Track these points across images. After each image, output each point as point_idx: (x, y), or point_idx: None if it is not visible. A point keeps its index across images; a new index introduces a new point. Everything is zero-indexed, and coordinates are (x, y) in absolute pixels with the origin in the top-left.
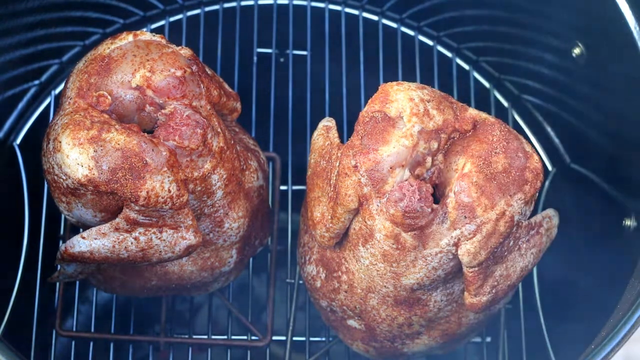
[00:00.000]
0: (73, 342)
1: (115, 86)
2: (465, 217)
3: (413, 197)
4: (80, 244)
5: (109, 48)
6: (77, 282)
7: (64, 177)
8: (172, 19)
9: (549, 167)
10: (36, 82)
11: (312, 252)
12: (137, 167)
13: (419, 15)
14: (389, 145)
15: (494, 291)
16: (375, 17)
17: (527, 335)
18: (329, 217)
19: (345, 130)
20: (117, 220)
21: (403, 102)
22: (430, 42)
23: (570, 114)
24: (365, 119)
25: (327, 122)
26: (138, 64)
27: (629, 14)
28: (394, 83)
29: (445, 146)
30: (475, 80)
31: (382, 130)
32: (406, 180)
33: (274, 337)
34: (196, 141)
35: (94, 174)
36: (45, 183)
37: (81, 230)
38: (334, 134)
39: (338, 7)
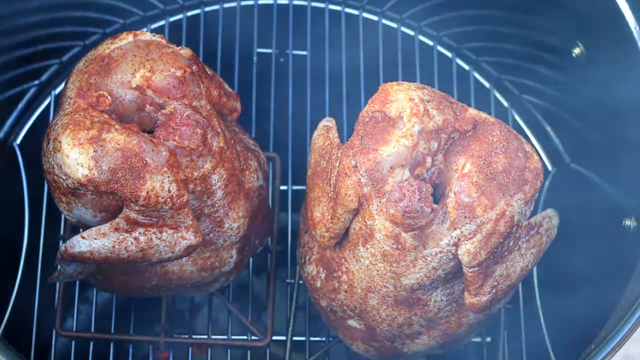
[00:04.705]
0: (73, 342)
1: (115, 86)
2: (465, 217)
3: (413, 197)
4: (80, 244)
5: (109, 48)
6: (77, 282)
7: (64, 177)
8: (172, 19)
9: (549, 167)
10: (36, 82)
11: (312, 252)
12: (137, 167)
13: (419, 15)
14: (389, 145)
15: (494, 291)
16: (375, 17)
17: (527, 335)
18: (329, 217)
19: (345, 130)
20: (117, 220)
21: (403, 102)
22: (430, 42)
23: (570, 114)
24: (365, 119)
25: (327, 122)
26: (138, 64)
27: (629, 14)
28: (394, 83)
29: (445, 146)
30: (475, 80)
31: (382, 130)
32: (406, 180)
33: (274, 337)
34: (196, 141)
35: (94, 174)
36: (45, 183)
37: (81, 230)
38: (334, 134)
39: (338, 7)
